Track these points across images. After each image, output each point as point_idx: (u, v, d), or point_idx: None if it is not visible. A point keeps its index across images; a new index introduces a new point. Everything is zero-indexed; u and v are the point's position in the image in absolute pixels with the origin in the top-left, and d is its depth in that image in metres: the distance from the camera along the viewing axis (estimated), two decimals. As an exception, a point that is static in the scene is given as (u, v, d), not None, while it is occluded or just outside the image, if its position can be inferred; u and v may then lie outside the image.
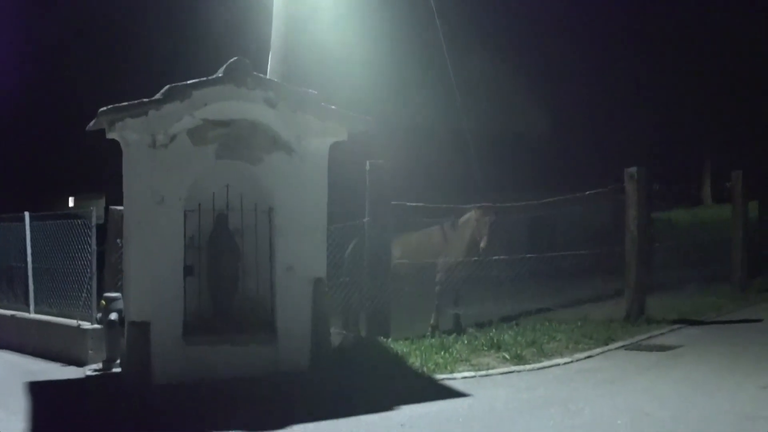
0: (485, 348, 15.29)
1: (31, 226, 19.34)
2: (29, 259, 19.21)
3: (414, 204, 17.94)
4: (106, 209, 17.50)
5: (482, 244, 18.21)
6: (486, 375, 13.57)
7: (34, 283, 19.02)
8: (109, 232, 16.90)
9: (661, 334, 16.74)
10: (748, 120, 54.99)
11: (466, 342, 15.72)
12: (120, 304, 14.86)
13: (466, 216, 18.67)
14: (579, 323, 17.27)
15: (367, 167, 16.67)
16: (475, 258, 18.33)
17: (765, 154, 48.05)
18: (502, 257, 18.55)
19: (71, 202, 51.57)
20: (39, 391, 13.69)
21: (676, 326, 17.45)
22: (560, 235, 23.18)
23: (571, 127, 45.22)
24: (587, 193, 19.44)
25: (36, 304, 18.88)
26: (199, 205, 13.43)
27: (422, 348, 15.12)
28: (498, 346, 15.25)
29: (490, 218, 18.30)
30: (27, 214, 19.48)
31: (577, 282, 21.63)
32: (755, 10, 51.75)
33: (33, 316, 18.68)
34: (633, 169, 18.36)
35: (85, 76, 44.17)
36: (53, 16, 46.67)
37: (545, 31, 45.72)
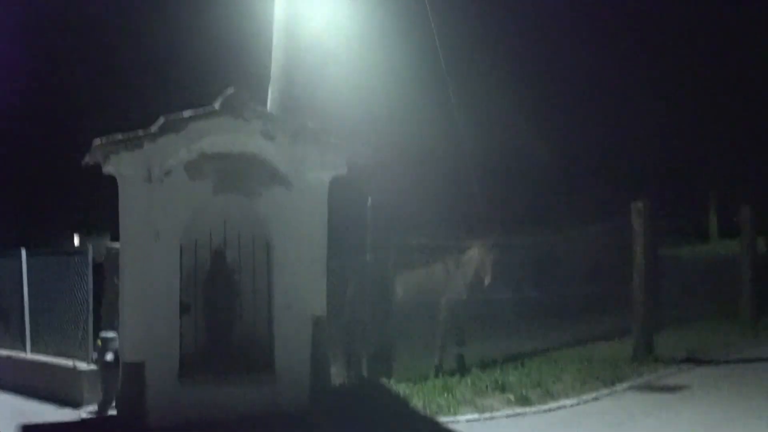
0: (489, 389, 14.96)
1: (27, 263, 19.00)
2: (26, 297, 18.86)
3: (417, 242, 17.58)
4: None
5: (486, 281, 17.84)
6: (490, 418, 13.25)
7: (30, 322, 18.66)
8: (106, 270, 16.57)
9: (670, 373, 16.41)
10: (754, 152, 54.74)
11: (469, 383, 15.39)
12: (116, 344, 14.49)
13: (470, 252, 18.32)
14: (585, 363, 16.94)
15: (368, 203, 16.35)
16: (480, 296, 17.96)
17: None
18: (506, 296, 18.20)
19: (76, 240, 51.40)
20: (32, 433, 13.31)
21: (684, 365, 17.11)
22: (565, 269, 22.83)
23: (574, 157, 44.95)
24: (593, 230, 19.11)
25: (33, 343, 18.51)
26: (196, 241, 13.12)
27: (425, 389, 14.81)
28: (503, 388, 14.91)
29: (494, 255, 17.95)
30: (23, 251, 19.14)
31: (583, 318, 21.24)
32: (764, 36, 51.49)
33: (29, 356, 18.31)
34: (639, 204, 18.06)
35: (86, 108, 43.98)
36: (55, 45, 46.53)
37: (550, 60, 45.55)
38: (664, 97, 51.55)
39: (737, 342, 19.87)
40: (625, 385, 15.38)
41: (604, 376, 15.80)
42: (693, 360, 17.61)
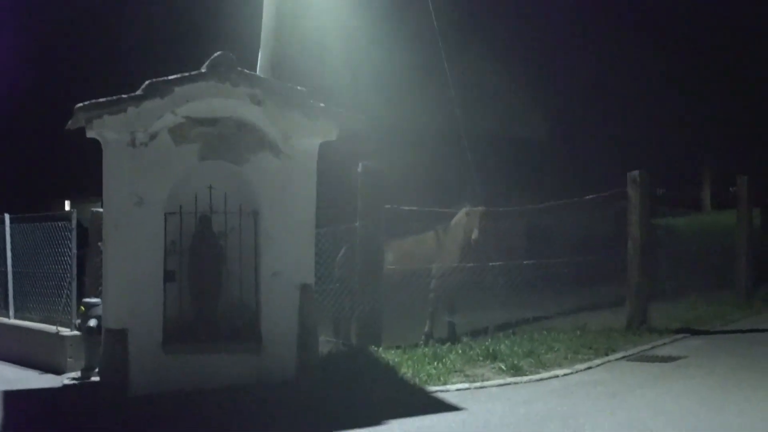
0: (480, 358, 14.71)
1: (11, 228, 18.76)
2: (9, 262, 18.66)
3: (408, 208, 17.35)
4: (97, 212, 16.97)
5: (474, 236, 17.61)
6: (481, 387, 12.97)
7: (14, 288, 18.46)
8: (90, 235, 16.40)
9: (664, 344, 16.21)
10: (748, 124, 54.68)
11: (460, 352, 15.13)
12: (100, 311, 14.24)
13: (457, 217, 18.14)
14: (578, 332, 16.76)
15: (359, 169, 16.10)
16: (471, 264, 17.76)
17: (764, 158, 47.67)
18: (498, 263, 18.00)
19: (67, 206, 51.23)
20: (13, 400, 13.16)
21: (679, 336, 16.93)
22: (558, 241, 22.66)
23: (568, 129, 44.83)
24: (587, 197, 18.87)
25: (16, 309, 18.32)
26: (181, 207, 12.83)
27: (414, 358, 14.53)
28: (494, 357, 14.66)
29: (481, 214, 17.73)
30: (7, 216, 18.91)
31: (576, 289, 21.10)
32: (756, 12, 51.44)
33: (12, 321, 18.15)
34: (635, 173, 17.83)
35: (73, 74, 43.73)
36: (38, 15, 46.20)
37: (544, 33, 45.34)
38: (659, 69, 51.50)
39: (732, 313, 19.70)
40: (618, 355, 15.16)
41: (598, 346, 15.59)
42: (688, 330, 17.44)
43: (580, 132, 45.34)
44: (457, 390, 12.79)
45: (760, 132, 54.22)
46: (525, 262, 18.26)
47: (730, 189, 22.85)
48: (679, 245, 24.05)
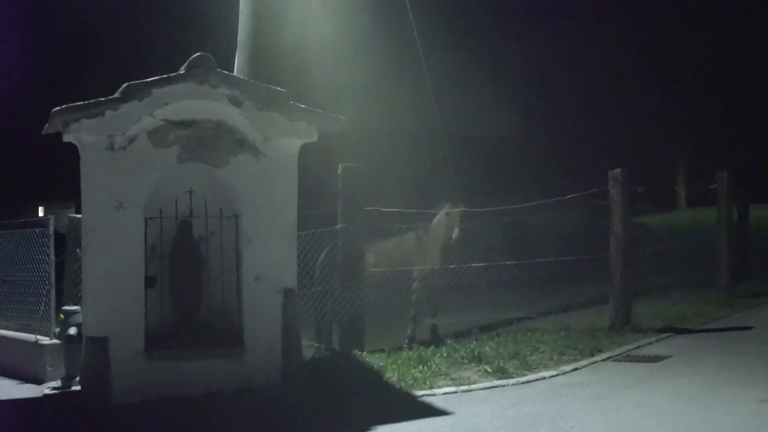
0: (465, 361, 14.60)
1: (-13, 234, 18.55)
2: (-15, 270, 18.43)
3: (389, 209, 17.21)
4: (73, 218, 16.77)
5: (454, 236, 17.50)
6: (468, 390, 12.86)
7: (-9, 295, 18.24)
8: (68, 241, 16.17)
9: (649, 343, 16.12)
10: (722, 122, 54.95)
11: (445, 354, 15.00)
12: (80, 318, 14.05)
13: (437, 218, 18.02)
14: (563, 333, 16.67)
15: (339, 170, 15.95)
16: (453, 264, 17.64)
17: (739, 156, 47.87)
18: (479, 264, 17.88)
19: (41, 212, 50.95)
20: (-9, 410, 12.93)
21: (664, 335, 16.85)
22: (536, 239, 22.56)
23: (545, 128, 44.91)
24: (568, 197, 18.79)
25: (-6, 317, 18.09)
26: (161, 211, 12.68)
27: (399, 361, 14.40)
28: (479, 359, 14.55)
29: (461, 211, 17.62)
30: (-18, 223, 18.70)
31: (556, 289, 21.04)
32: (732, 13, 51.77)
33: (-11, 329, 17.86)
34: (617, 171, 17.74)
35: (49, 78, 43.51)
36: (10, 21, 45.92)
37: (522, 33, 45.42)
38: (635, 68, 51.74)
39: (714, 311, 19.63)
40: (604, 355, 15.07)
41: (583, 347, 15.49)
42: (671, 329, 17.36)
43: (558, 130, 45.45)
44: (444, 394, 12.67)
45: (733, 130, 54.50)
46: (507, 263, 18.13)
47: (711, 186, 22.68)
48: (657, 243, 23.97)
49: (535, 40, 46.01)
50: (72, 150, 13.00)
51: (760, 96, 55.54)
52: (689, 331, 17.36)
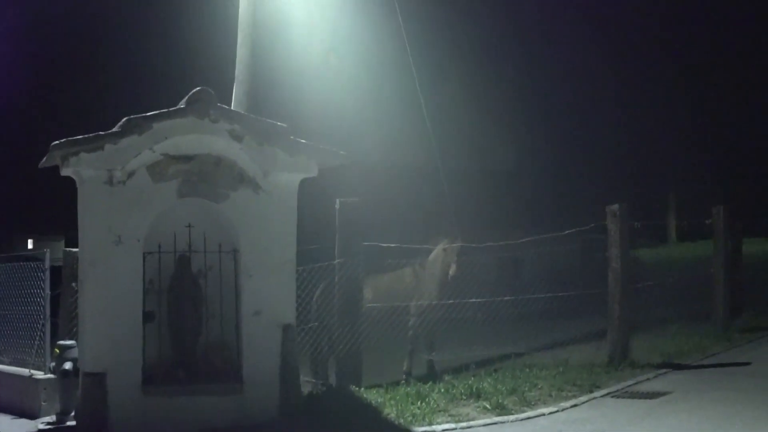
0: (464, 397, 14.50)
1: (-19, 269, 18.42)
2: (-21, 304, 18.28)
3: (387, 245, 17.15)
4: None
5: (451, 272, 17.48)
6: (468, 427, 12.80)
7: (-16, 330, 18.09)
8: (64, 276, 16.07)
9: (648, 379, 16.01)
10: (713, 158, 55.11)
11: (443, 390, 14.89)
12: (75, 353, 13.96)
13: (435, 253, 17.99)
14: (561, 369, 16.53)
15: (337, 206, 15.89)
16: (450, 300, 17.59)
17: (731, 190, 47.98)
18: (477, 299, 17.82)
19: (30, 244, 50.82)
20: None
21: (662, 370, 16.73)
22: (530, 273, 22.53)
23: (541, 163, 44.97)
24: (567, 232, 18.77)
25: (-13, 351, 17.94)
26: (160, 245, 12.61)
27: (397, 397, 14.29)
28: (477, 395, 14.45)
29: (458, 246, 17.60)
30: (-25, 257, 18.59)
31: (554, 324, 20.93)
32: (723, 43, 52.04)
33: (-17, 364, 17.72)
34: (615, 206, 17.68)
35: (45, 110, 43.49)
36: (9, 52, 45.92)
37: (518, 69, 45.64)
38: (626, 104, 51.95)
39: (712, 346, 19.51)
40: (603, 391, 14.98)
41: (581, 383, 15.40)
42: (670, 365, 17.24)
43: (553, 165, 45.51)
44: (444, 431, 12.63)
45: (724, 164, 54.63)
46: (505, 298, 18.07)
47: (706, 221, 22.64)
48: (651, 277, 23.92)
49: (531, 75, 46.20)
50: (64, 183, 12.95)
51: (751, 132, 55.81)
52: (687, 367, 17.26)
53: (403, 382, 16.35)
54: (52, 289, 16.13)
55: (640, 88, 54.46)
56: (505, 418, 13.24)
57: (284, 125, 13.01)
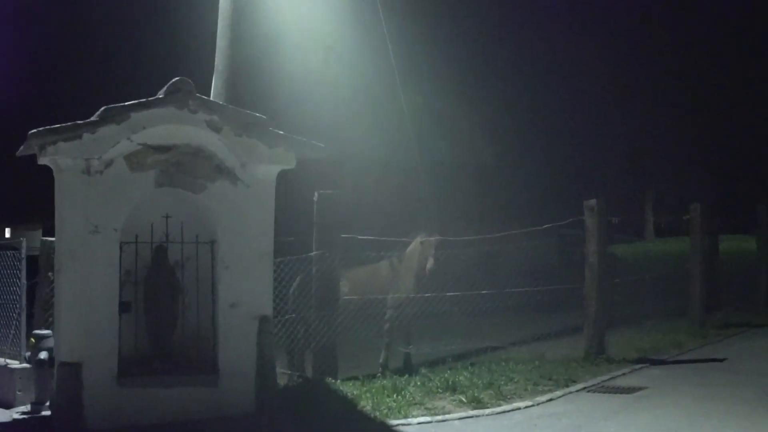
0: (440, 390, 14.51)
1: (-43, 257, 18.32)
2: (-46, 292, 18.19)
3: (364, 237, 17.14)
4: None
5: (428, 266, 17.50)
6: (443, 420, 12.80)
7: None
8: (40, 265, 16.00)
9: (624, 374, 16.08)
10: (691, 153, 55.25)
11: (419, 383, 14.91)
12: (51, 342, 13.90)
13: (412, 246, 17.99)
14: (537, 363, 16.58)
15: (315, 198, 15.86)
16: (427, 293, 17.59)
17: (708, 187, 48.13)
18: (453, 293, 17.84)
19: (8, 233, 50.58)
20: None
21: (638, 366, 16.81)
22: (507, 268, 22.55)
23: (519, 157, 45.05)
24: (545, 226, 18.82)
25: (-38, 340, 17.85)
26: (137, 236, 12.54)
27: (373, 390, 14.31)
28: (453, 388, 14.46)
29: (436, 242, 17.60)
30: (-48, 246, 18.49)
31: (530, 318, 21.02)
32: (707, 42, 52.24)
33: (-43, 354, 17.63)
34: (593, 201, 17.72)
35: (21, 99, 43.27)
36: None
37: (498, 65, 45.66)
38: (606, 100, 52.07)
39: (688, 342, 19.59)
40: (579, 386, 15.02)
41: (557, 377, 15.45)
42: (646, 360, 17.33)
43: (531, 160, 45.58)
44: (419, 423, 12.61)
45: (702, 160, 54.78)
46: (482, 292, 18.09)
47: (684, 217, 22.70)
48: (629, 273, 23.97)
49: (512, 70, 46.24)
50: (41, 171, 12.88)
51: (731, 129, 56.02)
52: (663, 362, 17.33)
53: (379, 374, 16.34)
54: (28, 278, 16.08)
55: (619, 83, 54.57)
56: (481, 411, 13.25)
57: (263, 116, 12.96)
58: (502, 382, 14.96)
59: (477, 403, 13.67)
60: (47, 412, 13.64)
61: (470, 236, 19.04)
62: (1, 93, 45.60)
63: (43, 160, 12.42)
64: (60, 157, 12.12)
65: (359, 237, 16.93)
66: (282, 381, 14.60)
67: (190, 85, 12.47)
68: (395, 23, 20.30)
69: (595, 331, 17.44)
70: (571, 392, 14.62)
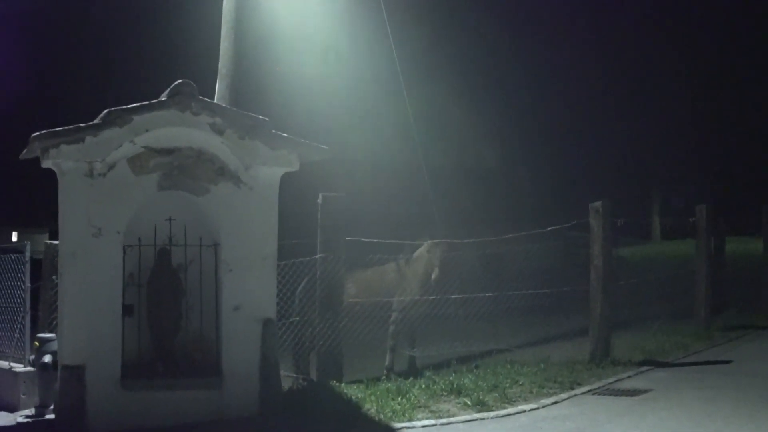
0: (444, 393, 14.45)
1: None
2: (-42, 295, 18.16)
3: (369, 240, 17.10)
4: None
5: (433, 276, 17.47)
6: (447, 423, 12.75)
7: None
8: (44, 268, 15.98)
9: (629, 377, 16.02)
10: (697, 156, 55.21)
11: (424, 386, 14.84)
12: (55, 346, 13.88)
13: (419, 251, 17.94)
14: (542, 365, 16.50)
15: (320, 200, 15.83)
16: (432, 296, 17.56)
17: (714, 189, 48.11)
18: (459, 296, 17.81)
19: (14, 236, 50.63)
20: (-38, 440, 12.74)
21: (643, 368, 16.74)
22: (516, 271, 22.51)
23: (526, 160, 45.00)
24: (550, 228, 18.78)
25: (-34, 344, 17.82)
26: (140, 239, 12.57)
27: (378, 393, 14.24)
28: (458, 391, 14.40)
29: (442, 250, 17.57)
30: (-43, 249, 18.44)
31: (535, 320, 20.97)
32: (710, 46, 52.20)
33: (-39, 357, 17.61)
34: (598, 203, 17.66)
35: (26, 103, 43.31)
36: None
37: (503, 68, 45.65)
38: (611, 103, 52.06)
39: (693, 344, 19.52)
40: (584, 388, 14.97)
41: (562, 380, 15.40)
42: (651, 362, 17.25)
43: (537, 163, 45.55)
44: (424, 426, 12.58)
45: (708, 164, 54.74)
46: (487, 294, 18.06)
47: (690, 219, 22.67)
48: (635, 275, 23.93)
49: (516, 73, 46.21)
50: (48, 175, 12.87)
51: (737, 131, 55.97)
52: (668, 365, 17.26)
53: (384, 377, 16.31)
54: (33, 281, 16.06)
55: (624, 85, 54.54)
56: (486, 414, 13.21)
57: (266, 119, 12.95)
58: (507, 385, 14.89)
59: (482, 406, 13.62)
60: (51, 416, 13.61)
61: (475, 239, 19.00)
62: (7, 96, 45.62)
63: (46, 164, 12.41)
64: (63, 160, 12.14)
65: (363, 240, 16.89)
66: (287, 384, 14.54)
67: (192, 88, 12.46)
68: (400, 27, 20.26)
69: (600, 334, 17.38)
70: (576, 395, 14.57)
